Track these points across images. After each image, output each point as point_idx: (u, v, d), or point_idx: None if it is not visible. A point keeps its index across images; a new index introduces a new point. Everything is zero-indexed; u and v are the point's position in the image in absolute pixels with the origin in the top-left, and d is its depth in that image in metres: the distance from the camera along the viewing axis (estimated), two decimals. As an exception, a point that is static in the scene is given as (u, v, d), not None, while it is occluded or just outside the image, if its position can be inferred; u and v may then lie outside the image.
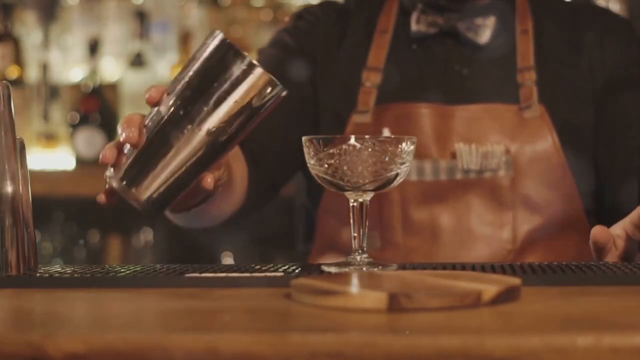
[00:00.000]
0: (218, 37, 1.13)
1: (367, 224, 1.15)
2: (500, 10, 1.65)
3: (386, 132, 1.58)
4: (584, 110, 1.62)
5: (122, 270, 1.17)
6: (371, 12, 1.70)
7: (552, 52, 1.64)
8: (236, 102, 1.12)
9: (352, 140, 1.12)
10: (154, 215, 1.17)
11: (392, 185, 1.15)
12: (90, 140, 2.49)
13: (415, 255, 1.57)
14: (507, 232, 1.57)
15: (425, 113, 1.60)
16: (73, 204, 2.54)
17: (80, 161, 2.51)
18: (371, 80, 1.64)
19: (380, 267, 1.14)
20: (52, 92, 2.60)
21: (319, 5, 1.76)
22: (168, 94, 1.13)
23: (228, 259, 2.56)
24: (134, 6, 2.64)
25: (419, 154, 1.57)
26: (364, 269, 1.13)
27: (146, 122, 1.14)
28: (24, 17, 2.68)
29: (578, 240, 1.56)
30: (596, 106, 1.62)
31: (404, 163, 1.14)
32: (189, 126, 1.12)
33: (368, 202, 1.15)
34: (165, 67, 2.61)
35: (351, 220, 1.15)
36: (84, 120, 2.52)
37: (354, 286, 0.98)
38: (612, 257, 1.25)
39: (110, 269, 1.19)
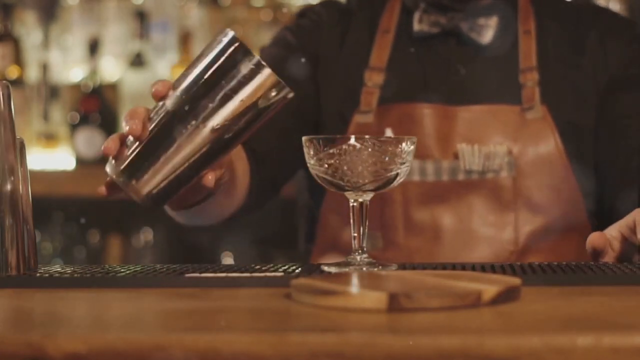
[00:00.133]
0: (229, 34, 1.13)
1: (367, 224, 1.15)
2: (502, 11, 1.65)
3: (389, 133, 1.58)
4: (586, 111, 1.62)
5: (122, 270, 1.16)
6: (373, 12, 1.70)
7: (555, 52, 1.64)
8: (242, 101, 1.12)
9: (352, 140, 1.12)
10: (153, 209, 1.17)
11: (392, 185, 1.15)
12: (90, 140, 2.49)
13: (417, 255, 1.57)
14: (509, 233, 1.57)
15: (427, 113, 1.60)
16: (73, 204, 2.54)
17: (80, 161, 2.50)
18: (373, 80, 1.64)
19: (380, 267, 1.14)
20: (52, 92, 2.60)
21: (322, 4, 1.75)
22: (174, 89, 1.13)
23: (228, 259, 2.56)
24: (134, 6, 2.64)
25: (422, 155, 1.57)
26: (364, 269, 1.13)
27: (151, 115, 1.14)
28: (24, 17, 2.68)
29: (580, 242, 1.55)
30: (597, 106, 1.62)
31: (404, 163, 1.14)
32: (193, 122, 1.12)
33: (368, 202, 1.15)
34: (165, 67, 2.61)
35: (351, 220, 1.15)
36: (84, 120, 2.52)
37: (354, 286, 0.98)
38: (608, 259, 1.25)
39: (110, 269, 1.18)
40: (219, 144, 1.13)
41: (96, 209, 2.52)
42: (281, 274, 1.11)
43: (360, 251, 1.15)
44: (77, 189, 2.41)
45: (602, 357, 0.77)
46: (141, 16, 2.57)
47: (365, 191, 1.14)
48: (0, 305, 1.01)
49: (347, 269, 1.13)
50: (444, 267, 1.20)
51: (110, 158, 1.14)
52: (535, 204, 1.57)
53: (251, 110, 1.13)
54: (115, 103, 2.57)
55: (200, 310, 0.95)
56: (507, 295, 0.93)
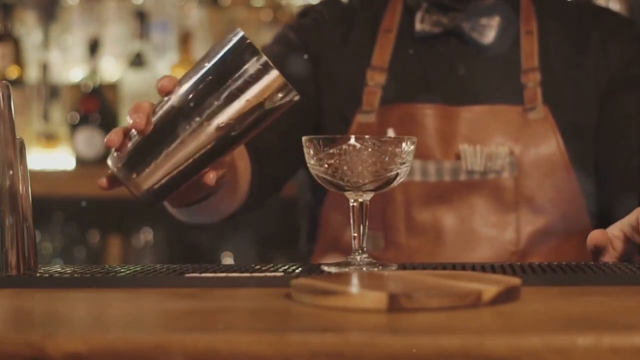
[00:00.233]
0: (238, 34, 1.13)
1: (367, 223, 1.15)
2: (504, 11, 1.65)
3: (390, 133, 1.58)
4: (587, 111, 1.62)
5: (122, 270, 1.16)
6: (375, 11, 1.70)
7: (556, 52, 1.63)
8: (248, 100, 1.12)
9: (352, 140, 1.12)
10: (152, 204, 1.16)
11: (392, 185, 1.15)
12: (90, 140, 2.49)
13: (418, 256, 1.57)
14: (510, 234, 1.57)
15: (429, 114, 1.60)
16: (73, 204, 2.54)
17: (80, 161, 2.50)
18: (375, 80, 1.64)
19: (380, 267, 1.14)
20: (52, 92, 2.60)
21: (324, 3, 1.75)
22: (180, 85, 1.13)
23: (228, 259, 2.56)
24: (134, 6, 2.64)
25: (423, 155, 1.57)
26: (364, 269, 1.13)
27: (155, 110, 1.14)
28: (24, 17, 2.68)
29: (581, 242, 1.55)
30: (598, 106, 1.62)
31: (404, 163, 1.14)
32: (198, 119, 1.12)
33: (368, 202, 1.15)
34: (165, 67, 2.61)
35: (351, 220, 1.15)
36: (84, 120, 2.52)
37: (354, 286, 0.98)
38: (609, 258, 1.24)
39: (110, 269, 1.18)
40: (222, 143, 1.13)
41: (96, 209, 2.52)
42: (281, 274, 1.11)
43: (360, 251, 1.15)
44: (77, 189, 2.41)
45: (602, 357, 0.77)
46: (141, 16, 2.57)
47: (365, 191, 1.14)
48: (0, 305, 1.01)
49: (347, 269, 1.13)
50: (444, 267, 1.20)
51: (113, 150, 1.14)
52: (537, 204, 1.57)
53: (256, 111, 1.12)
54: (115, 103, 2.57)
55: (200, 310, 0.95)
56: (507, 295, 0.93)
